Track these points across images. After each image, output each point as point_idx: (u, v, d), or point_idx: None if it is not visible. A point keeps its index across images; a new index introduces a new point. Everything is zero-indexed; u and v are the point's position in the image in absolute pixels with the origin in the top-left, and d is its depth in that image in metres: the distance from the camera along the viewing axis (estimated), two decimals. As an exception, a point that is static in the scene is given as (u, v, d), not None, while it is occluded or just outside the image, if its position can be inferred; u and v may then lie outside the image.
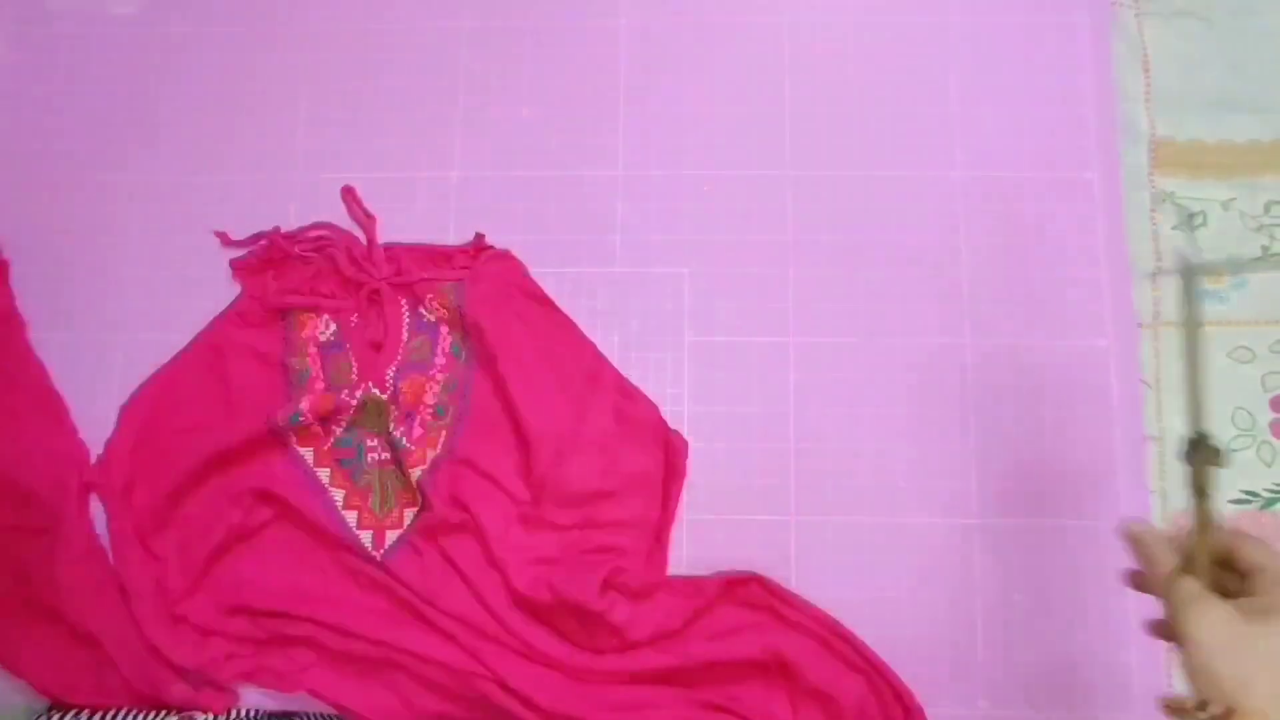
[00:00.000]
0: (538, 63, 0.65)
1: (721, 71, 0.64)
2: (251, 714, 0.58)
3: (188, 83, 0.65)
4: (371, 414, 0.60)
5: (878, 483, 0.59)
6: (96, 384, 0.61)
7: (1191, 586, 0.40)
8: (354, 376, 0.60)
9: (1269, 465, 0.59)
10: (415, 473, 0.58)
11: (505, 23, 0.65)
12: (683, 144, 0.63)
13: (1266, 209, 0.61)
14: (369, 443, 0.60)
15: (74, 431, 0.61)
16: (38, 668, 0.57)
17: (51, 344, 0.62)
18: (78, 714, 0.56)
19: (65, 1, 0.67)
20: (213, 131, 0.64)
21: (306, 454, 0.60)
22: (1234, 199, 0.62)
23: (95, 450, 0.60)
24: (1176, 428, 0.58)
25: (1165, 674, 0.56)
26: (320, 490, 0.59)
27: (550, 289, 0.62)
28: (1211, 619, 0.38)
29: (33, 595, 0.57)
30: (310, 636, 0.57)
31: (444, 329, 0.61)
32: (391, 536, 0.59)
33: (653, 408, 0.60)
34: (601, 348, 0.61)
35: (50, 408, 0.61)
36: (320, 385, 0.60)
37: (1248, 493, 0.58)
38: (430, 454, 0.59)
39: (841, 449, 0.59)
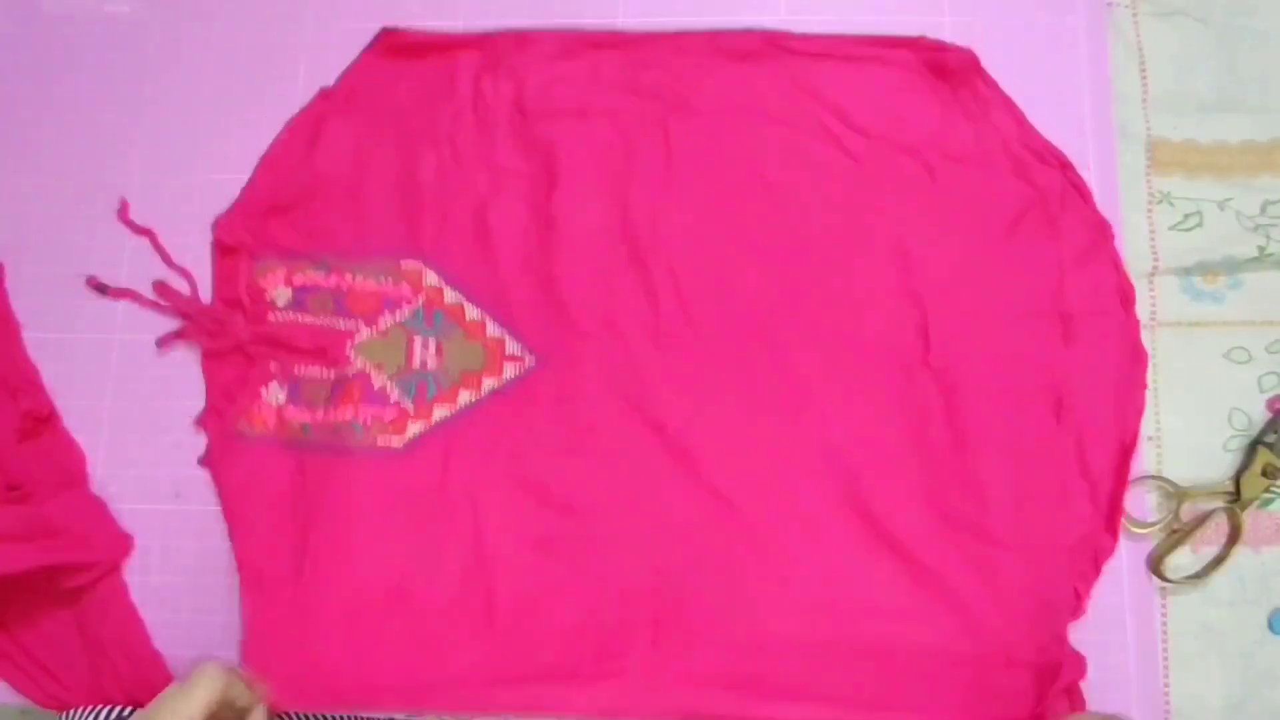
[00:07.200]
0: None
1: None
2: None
3: (184, 82, 0.65)
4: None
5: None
6: (93, 386, 0.61)
7: None
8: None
9: (1265, 465, 0.59)
10: None
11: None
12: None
13: (1263, 209, 0.62)
14: None
15: (68, 435, 0.60)
16: (33, 676, 0.57)
17: (47, 345, 0.62)
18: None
19: (59, 1, 0.67)
20: (211, 131, 0.64)
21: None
22: (1230, 199, 0.62)
23: (91, 453, 0.60)
24: (1174, 427, 0.59)
25: (1164, 674, 0.56)
26: None
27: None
28: None
29: (22, 602, 0.57)
30: None
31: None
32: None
33: None
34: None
35: (45, 411, 0.60)
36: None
37: (1245, 493, 0.59)
38: None
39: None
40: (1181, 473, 0.58)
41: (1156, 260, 0.61)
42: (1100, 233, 0.60)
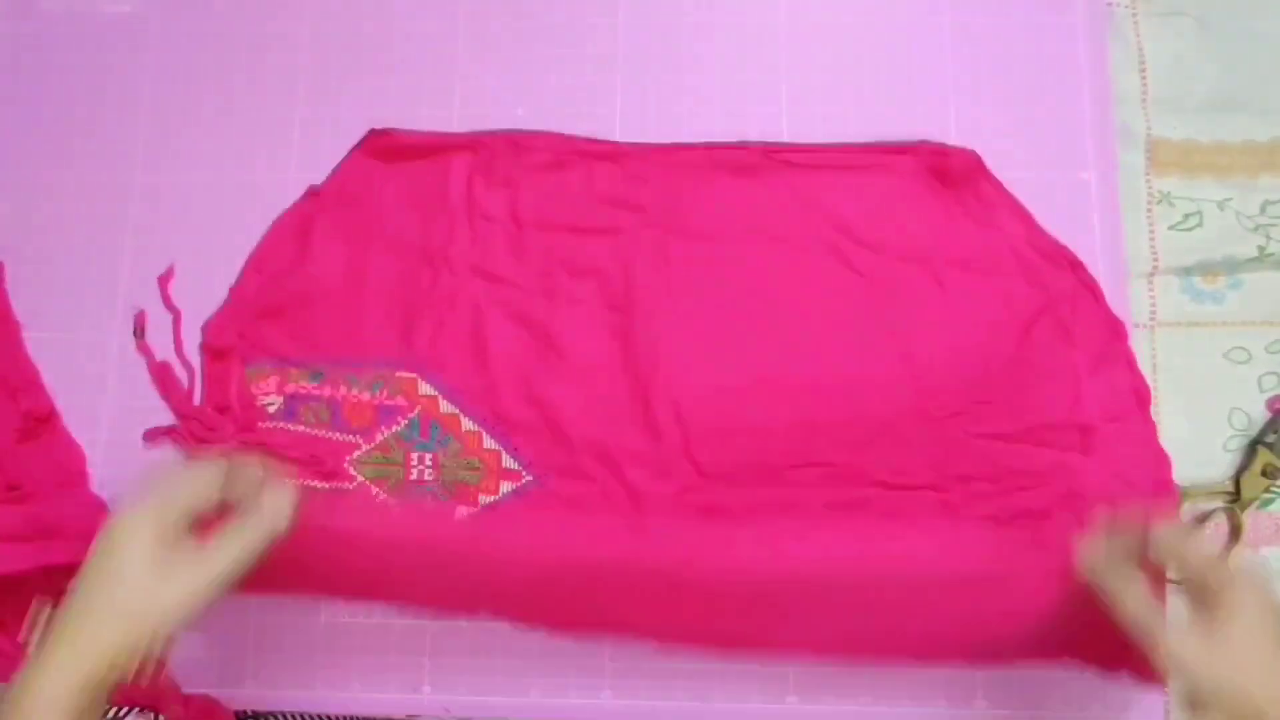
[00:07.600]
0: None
1: (717, 82, 0.64)
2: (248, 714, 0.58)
3: (185, 82, 0.65)
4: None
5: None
6: (92, 386, 0.61)
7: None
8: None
9: (1265, 466, 0.59)
10: None
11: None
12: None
13: (1263, 209, 0.62)
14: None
15: (68, 434, 0.60)
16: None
17: (47, 345, 0.62)
18: None
19: (58, 0, 0.67)
20: (210, 131, 0.64)
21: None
22: (1230, 199, 0.62)
23: (91, 453, 0.60)
24: (1174, 427, 0.58)
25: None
26: None
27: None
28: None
29: (22, 602, 0.57)
30: None
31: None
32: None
33: None
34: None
35: (45, 411, 0.60)
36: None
37: (1245, 493, 0.59)
38: None
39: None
40: (1181, 473, 0.58)
41: (1156, 260, 0.61)
42: (1114, 333, 0.58)
